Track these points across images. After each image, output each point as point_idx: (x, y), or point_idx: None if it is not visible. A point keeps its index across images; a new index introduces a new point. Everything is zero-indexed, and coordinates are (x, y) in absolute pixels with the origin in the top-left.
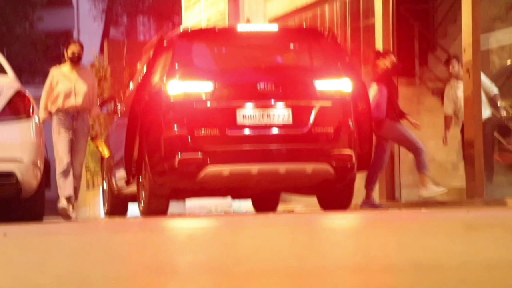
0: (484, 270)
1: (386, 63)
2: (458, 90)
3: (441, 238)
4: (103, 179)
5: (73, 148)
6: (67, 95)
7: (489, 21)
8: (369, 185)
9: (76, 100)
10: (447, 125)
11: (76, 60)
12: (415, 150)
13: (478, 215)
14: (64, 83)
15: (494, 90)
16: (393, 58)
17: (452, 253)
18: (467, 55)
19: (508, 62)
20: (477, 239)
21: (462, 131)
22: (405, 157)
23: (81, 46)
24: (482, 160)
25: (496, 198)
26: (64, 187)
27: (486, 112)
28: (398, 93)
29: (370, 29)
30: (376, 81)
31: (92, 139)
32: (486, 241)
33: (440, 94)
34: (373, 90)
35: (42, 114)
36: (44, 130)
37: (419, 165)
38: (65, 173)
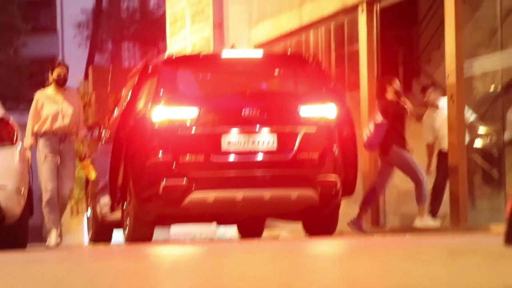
0: None
1: (392, 92)
2: (434, 119)
3: (425, 264)
4: (87, 206)
5: (61, 173)
6: (54, 117)
7: (473, 47)
8: (364, 206)
9: (63, 122)
10: (429, 154)
11: (62, 82)
12: (417, 180)
13: (462, 241)
14: (50, 106)
15: (471, 117)
16: (397, 85)
17: (436, 279)
18: (450, 81)
19: (492, 88)
20: (461, 265)
21: (439, 159)
22: (389, 183)
23: (67, 68)
24: (466, 186)
25: (479, 224)
26: (49, 218)
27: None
28: (405, 121)
29: (355, 55)
30: (381, 112)
31: (80, 159)
32: (470, 267)
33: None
34: (376, 120)
35: (28, 140)
36: (30, 156)
37: (419, 196)
38: (50, 203)
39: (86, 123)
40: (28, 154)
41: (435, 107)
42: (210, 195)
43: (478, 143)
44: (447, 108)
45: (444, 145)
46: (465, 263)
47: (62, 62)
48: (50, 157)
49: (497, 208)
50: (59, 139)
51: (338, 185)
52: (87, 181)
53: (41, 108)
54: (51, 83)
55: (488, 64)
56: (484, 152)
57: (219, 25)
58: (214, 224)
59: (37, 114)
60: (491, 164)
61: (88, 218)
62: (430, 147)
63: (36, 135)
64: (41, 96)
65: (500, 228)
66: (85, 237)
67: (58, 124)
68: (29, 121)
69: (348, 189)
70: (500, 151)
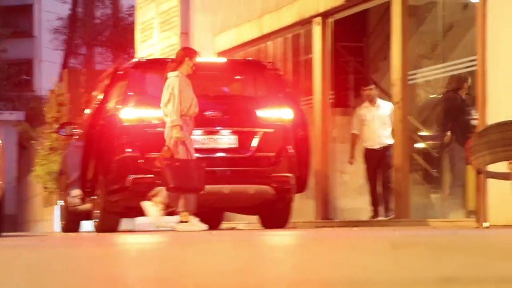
0: (410, 285)
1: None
2: (366, 113)
3: (371, 255)
4: (59, 197)
5: None
6: None
7: (417, 59)
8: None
9: None
10: (353, 144)
11: None
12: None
13: (404, 234)
14: None
15: None
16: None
17: (380, 269)
18: (396, 89)
19: (433, 96)
20: (403, 256)
21: (365, 155)
22: (339, 180)
23: None
24: (409, 183)
25: (420, 218)
26: None
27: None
28: None
29: (309, 63)
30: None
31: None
32: (412, 258)
33: None
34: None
35: None
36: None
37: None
38: None
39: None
40: None
41: (372, 102)
42: None
43: (420, 145)
44: (394, 114)
45: (370, 142)
46: (407, 255)
47: None
48: None
49: (435, 205)
50: None
51: (292, 182)
52: (59, 173)
53: None
54: None
55: (430, 74)
56: (425, 153)
57: (185, 34)
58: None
59: None
60: (431, 164)
61: (60, 208)
62: (354, 137)
63: None
64: None
65: (438, 223)
66: (57, 226)
67: None
68: None
69: (301, 186)
70: (440, 152)
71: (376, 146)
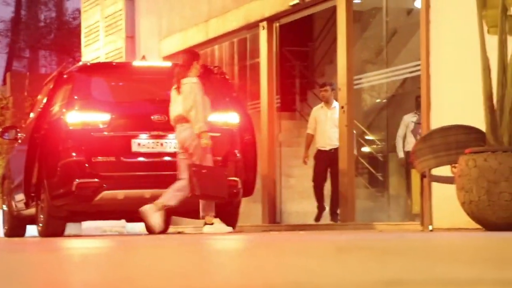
0: None
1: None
2: (320, 113)
3: (316, 258)
4: (3, 202)
5: None
6: None
7: (362, 64)
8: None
9: None
10: (307, 143)
11: None
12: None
13: (349, 238)
14: None
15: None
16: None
17: (326, 273)
18: (342, 93)
19: (378, 100)
20: (348, 260)
21: (315, 156)
22: (285, 184)
23: None
24: (354, 187)
25: (366, 222)
26: None
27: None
28: None
29: (256, 67)
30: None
31: None
32: (356, 262)
33: None
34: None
35: None
36: None
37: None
38: None
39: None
40: None
41: (328, 104)
42: (120, 193)
43: (366, 149)
44: (339, 117)
45: (321, 143)
46: (352, 258)
47: None
48: None
49: (381, 208)
50: None
51: (239, 185)
52: (3, 178)
53: None
54: None
55: (374, 79)
56: (370, 158)
57: (131, 38)
58: (123, 220)
59: None
60: (376, 168)
61: (3, 213)
62: (309, 137)
63: None
64: None
65: (383, 227)
66: (0, 231)
67: None
68: None
69: (248, 190)
70: (385, 157)
71: (327, 148)
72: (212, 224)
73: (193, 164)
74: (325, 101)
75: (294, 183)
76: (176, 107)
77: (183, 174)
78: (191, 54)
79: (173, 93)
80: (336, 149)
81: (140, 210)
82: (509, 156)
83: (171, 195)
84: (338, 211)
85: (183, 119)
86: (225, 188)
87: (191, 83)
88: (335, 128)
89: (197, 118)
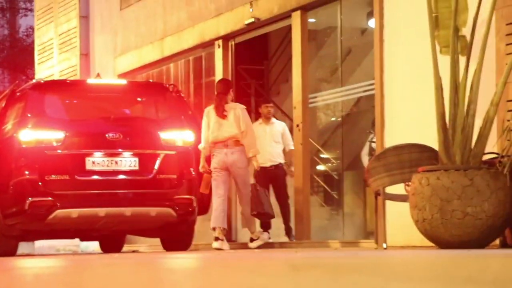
0: None
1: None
2: (259, 130)
3: (271, 277)
4: None
5: None
6: None
7: (317, 82)
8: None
9: None
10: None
11: None
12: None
13: (304, 256)
14: None
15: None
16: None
17: None
18: (297, 111)
19: (333, 118)
20: (301, 278)
21: (255, 175)
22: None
23: None
24: (309, 205)
25: (321, 240)
26: None
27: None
28: None
29: (211, 85)
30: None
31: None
32: (310, 280)
33: None
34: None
35: None
36: None
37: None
38: None
39: None
40: None
41: (267, 120)
42: (74, 212)
43: (321, 168)
44: (293, 136)
45: (261, 160)
46: (307, 276)
47: None
48: None
49: (336, 226)
50: None
51: (194, 204)
52: None
53: None
54: None
55: (329, 98)
56: (325, 176)
57: (85, 55)
58: (77, 239)
59: None
60: (331, 186)
61: None
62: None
63: None
64: None
65: (338, 244)
66: None
67: None
68: None
69: (203, 208)
70: (340, 175)
71: (267, 164)
72: (258, 238)
73: (255, 184)
74: (266, 117)
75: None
76: (226, 130)
77: (219, 190)
78: (227, 82)
79: (213, 114)
80: (276, 166)
81: (216, 248)
82: (461, 174)
83: (222, 217)
84: (292, 226)
85: (236, 142)
86: (271, 206)
87: (243, 108)
88: (274, 144)
89: (253, 143)
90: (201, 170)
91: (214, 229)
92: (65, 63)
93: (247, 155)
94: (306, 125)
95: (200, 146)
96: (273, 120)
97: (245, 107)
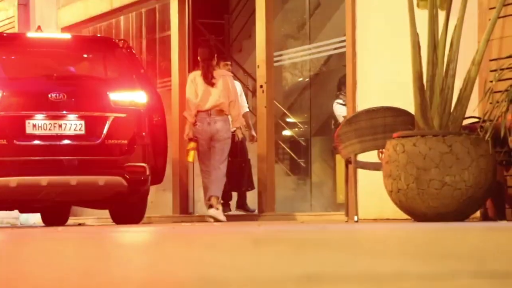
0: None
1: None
2: None
3: (229, 252)
4: None
5: None
6: None
7: (282, 39)
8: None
9: None
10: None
11: None
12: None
13: (268, 230)
14: None
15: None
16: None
17: (238, 268)
18: (261, 70)
19: (300, 79)
20: (264, 253)
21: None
22: (199, 171)
23: None
24: (273, 174)
25: (287, 212)
26: None
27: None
28: None
29: (166, 41)
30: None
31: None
32: (272, 255)
33: None
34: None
35: None
36: None
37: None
38: None
39: None
40: None
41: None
42: (12, 180)
43: (287, 133)
44: (257, 98)
45: None
46: (269, 252)
47: None
48: None
49: (303, 197)
50: None
51: (147, 172)
52: None
53: None
54: None
55: (297, 56)
56: (292, 142)
57: (24, 6)
58: (16, 211)
59: None
60: (298, 153)
61: None
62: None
63: None
64: None
65: (306, 217)
66: None
67: None
68: None
69: (157, 177)
70: (307, 141)
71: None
72: (218, 209)
73: (249, 159)
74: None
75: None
76: (213, 98)
77: (205, 160)
78: (212, 48)
79: (200, 81)
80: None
81: (208, 217)
82: (440, 140)
83: (219, 186)
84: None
85: (219, 112)
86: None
87: (230, 76)
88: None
89: (239, 114)
90: (185, 137)
91: (209, 198)
92: (1, 14)
93: (232, 126)
94: (270, 86)
95: (186, 113)
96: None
97: (231, 75)
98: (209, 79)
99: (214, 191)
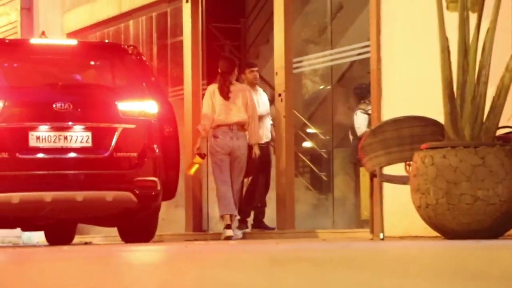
0: None
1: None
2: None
3: (246, 272)
4: None
5: None
6: None
7: (302, 44)
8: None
9: None
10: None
11: None
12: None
13: (286, 248)
14: None
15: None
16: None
17: None
18: (279, 78)
19: (321, 87)
20: (282, 273)
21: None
22: (213, 186)
23: None
24: (293, 189)
25: (307, 229)
26: None
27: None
28: None
29: (178, 47)
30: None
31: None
32: (292, 275)
33: None
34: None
35: None
36: None
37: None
38: None
39: None
40: None
41: (253, 86)
42: (14, 196)
43: (307, 144)
44: (275, 107)
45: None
46: (287, 272)
47: None
48: None
49: (325, 213)
50: None
51: (158, 187)
52: None
53: None
54: None
55: (317, 62)
56: (313, 154)
57: (27, 10)
58: (18, 229)
59: None
60: (319, 166)
61: None
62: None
63: None
64: None
65: (328, 235)
66: None
67: None
68: None
69: (169, 192)
70: (329, 153)
71: (262, 140)
72: (230, 227)
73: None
74: (255, 83)
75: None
76: (235, 114)
77: (224, 177)
78: (232, 60)
79: (218, 95)
80: (268, 142)
81: (226, 239)
82: (471, 152)
83: (232, 203)
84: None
85: (241, 127)
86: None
87: (250, 91)
88: (269, 117)
89: (256, 130)
90: (195, 151)
91: (222, 217)
92: (3, 18)
93: (249, 142)
94: (289, 94)
95: (200, 127)
96: (258, 89)
97: (251, 89)
98: (225, 93)
99: (228, 209)
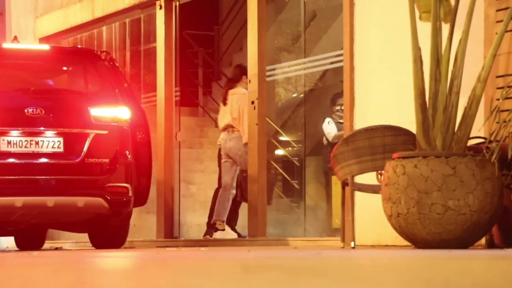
0: None
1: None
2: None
3: (217, 280)
4: None
5: None
6: None
7: (276, 52)
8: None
9: None
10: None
11: None
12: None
13: (258, 256)
14: None
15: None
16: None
17: None
18: (252, 85)
19: (294, 95)
20: (253, 281)
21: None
22: (185, 192)
23: None
24: (265, 197)
25: (278, 237)
26: None
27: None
28: None
29: (151, 53)
30: None
31: None
32: (263, 283)
33: None
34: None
35: None
36: None
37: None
38: None
39: None
40: None
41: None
42: None
43: (280, 152)
44: (248, 114)
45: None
46: (259, 279)
47: None
48: None
49: (296, 221)
50: None
51: (130, 193)
52: None
53: None
54: None
55: (290, 70)
56: (285, 162)
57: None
58: None
59: None
60: (292, 174)
61: None
62: None
63: None
64: None
65: (299, 243)
66: None
67: None
68: None
69: (141, 198)
70: (301, 161)
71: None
72: (223, 230)
73: (243, 170)
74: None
75: (195, 191)
76: (224, 117)
77: (226, 177)
78: (241, 69)
79: (221, 104)
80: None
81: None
82: (443, 162)
83: (224, 209)
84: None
85: (231, 127)
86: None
87: (240, 93)
88: None
89: (246, 128)
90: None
91: (214, 223)
92: None
93: (243, 141)
94: (262, 102)
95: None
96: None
97: (245, 91)
98: (223, 99)
99: (223, 216)
